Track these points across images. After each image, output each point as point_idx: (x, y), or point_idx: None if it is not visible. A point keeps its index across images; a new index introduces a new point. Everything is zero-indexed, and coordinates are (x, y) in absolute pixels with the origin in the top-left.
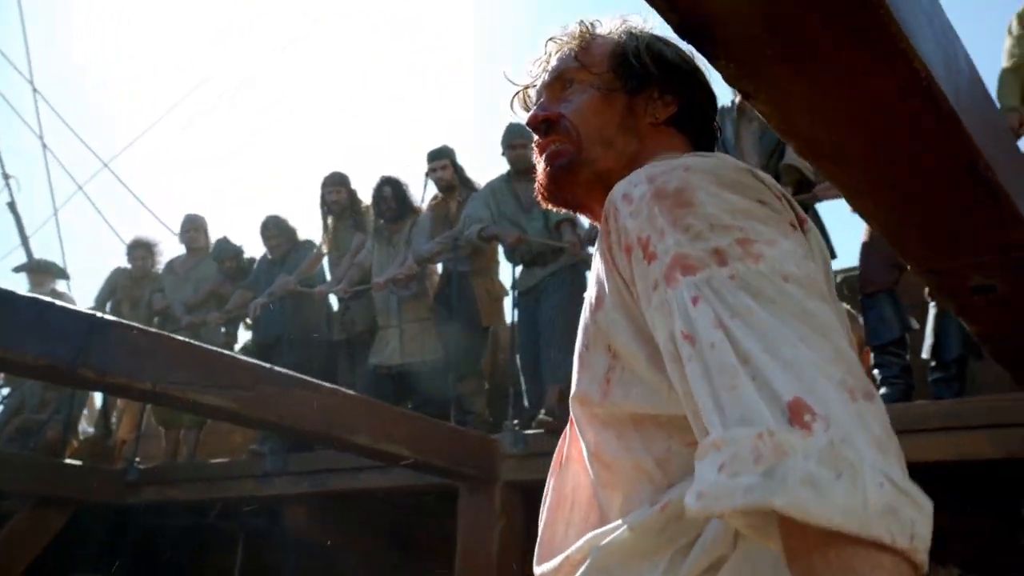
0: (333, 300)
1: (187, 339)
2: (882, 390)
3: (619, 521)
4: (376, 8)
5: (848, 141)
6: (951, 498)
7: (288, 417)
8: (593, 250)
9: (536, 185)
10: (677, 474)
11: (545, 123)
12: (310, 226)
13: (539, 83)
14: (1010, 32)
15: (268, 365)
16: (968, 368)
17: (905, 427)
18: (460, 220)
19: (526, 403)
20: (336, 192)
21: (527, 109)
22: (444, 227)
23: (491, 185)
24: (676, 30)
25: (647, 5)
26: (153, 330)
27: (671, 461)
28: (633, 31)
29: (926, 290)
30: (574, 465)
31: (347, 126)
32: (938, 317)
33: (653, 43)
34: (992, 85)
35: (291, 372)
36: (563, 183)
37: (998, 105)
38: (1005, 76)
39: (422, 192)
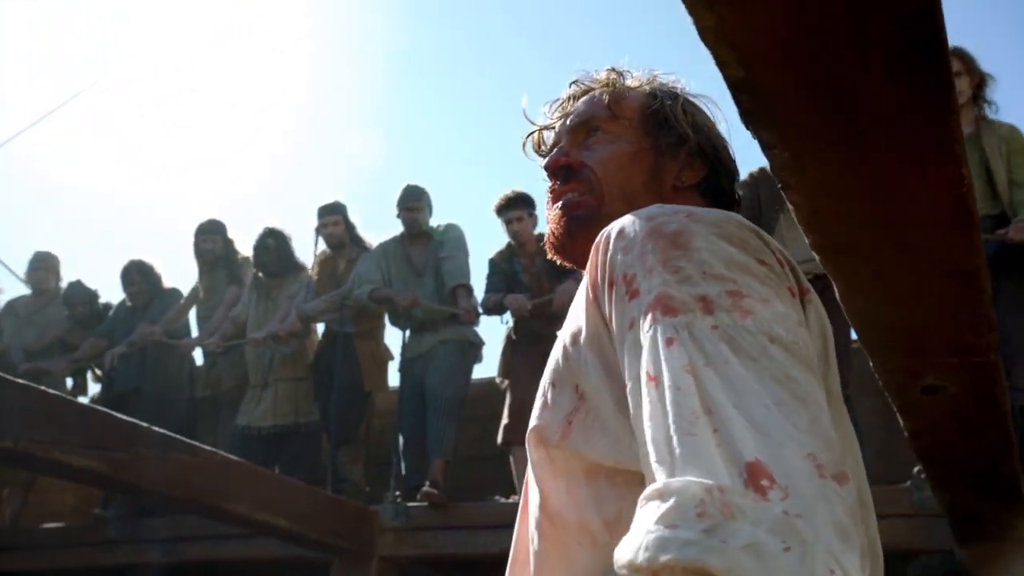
0: (197, 354)
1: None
2: None
3: None
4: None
5: (871, 243)
6: None
7: (164, 482)
8: (580, 288)
9: (547, 233)
10: None
11: (565, 169)
12: (178, 274)
13: (559, 126)
14: None
15: (146, 424)
16: None
17: None
18: (349, 279)
19: (404, 473)
20: (211, 240)
21: (540, 152)
22: (331, 285)
23: (384, 246)
24: (743, 114)
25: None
26: (19, 380)
27: (621, 524)
28: (667, 88)
29: None
30: (524, 516)
31: (230, 172)
32: None
33: (688, 105)
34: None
35: (170, 433)
36: (578, 237)
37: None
38: None
39: (313, 247)
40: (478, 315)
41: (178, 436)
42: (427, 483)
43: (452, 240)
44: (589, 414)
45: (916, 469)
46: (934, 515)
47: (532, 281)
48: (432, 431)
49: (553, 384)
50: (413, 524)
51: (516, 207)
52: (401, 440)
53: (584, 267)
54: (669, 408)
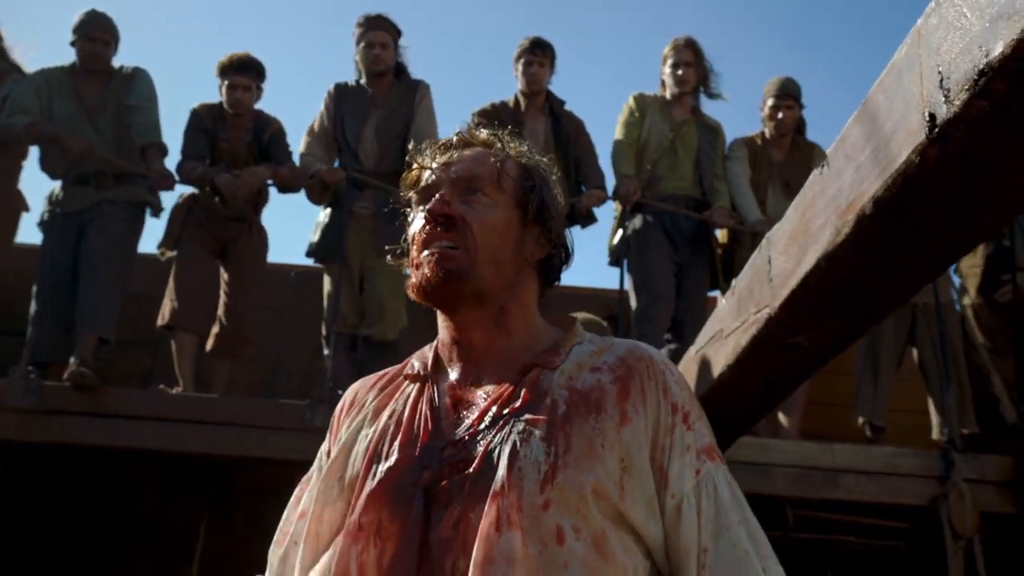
0: None
1: None
2: None
3: None
4: None
5: None
6: None
7: None
8: (580, 367)
9: (416, 274)
10: None
11: (447, 218)
12: None
13: (440, 172)
14: (631, 112)
15: None
16: None
17: None
18: None
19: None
20: None
21: (415, 189)
22: None
23: (46, 74)
24: None
25: None
26: None
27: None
28: (542, 170)
29: None
30: (516, 533)
31: None
32: None
33: (554, 187)
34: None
35: None
36: (447, 288)
37: (612, 171)
38: (620, 146)
39: None
40: (174, 181)
41: None
42: (74, 360)
43: (144, 88)
44: (632, 485)
45: None
46: None
47: (230, 155)
48: (87, 302)
49: (602, 445)
50: (46, 406)
51: (245, 72)
52: (34, 306)
53: (442, 309)
54: (755, 534)
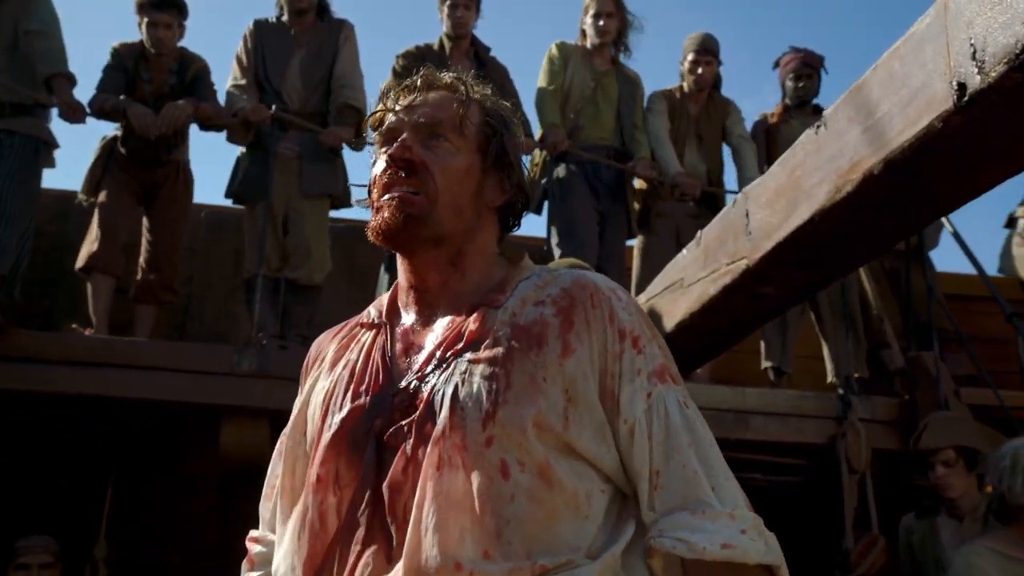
0: None
1: None
2: None
3: (582, 558)
4: None
5: None
6: None
7: None
8: (524, 302)
9: (376, 216)
10: (595, 511)
11: (407, 163)
12: None
13: (403, 116)
14: (554, 60)
15: None
16: None
17: None
18: None
19: None
20: None
21: (377, 129)
22: None
23: None
24: None
25: None
26: None
27: (592, 499)
28: (503, 114)
29: None
30: (458, 472)
31: None
32: None
33: (516, 133)
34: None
35: None
36: (406, 232)
37: (537, 118)
38: (545, 95)
39: None
40: (85, 113)
41: None
42: None
43: (45, 11)
44: (578, 414)
45: None
46: None
47: (154, 96)
48: None
49: (544, 379)
50: None
51: (165, 10)
52: None
53: (401, 252)
54: (708, 457)
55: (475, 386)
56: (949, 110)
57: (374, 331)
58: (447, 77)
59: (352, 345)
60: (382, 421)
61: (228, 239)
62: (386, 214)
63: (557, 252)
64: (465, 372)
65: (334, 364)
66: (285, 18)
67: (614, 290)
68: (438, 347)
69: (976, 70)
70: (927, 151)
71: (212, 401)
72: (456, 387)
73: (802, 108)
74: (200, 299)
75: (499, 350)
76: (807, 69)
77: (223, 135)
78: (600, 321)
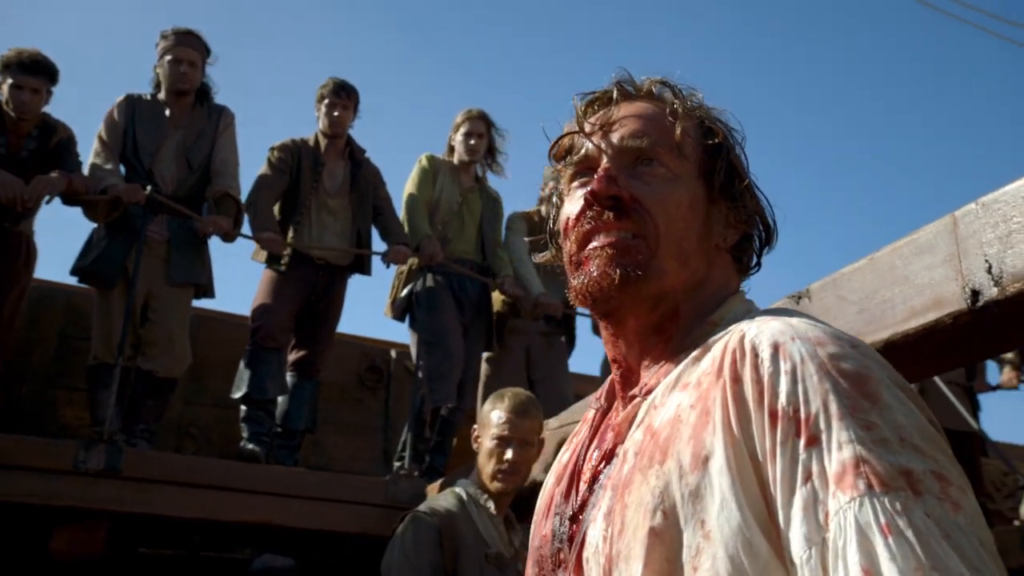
0: None
1: None
2: (251, 445)
3: None
4: None
5: None
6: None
7: None
8: (669, 387)
9: (575, 279)
10: None
11: (615, 201)
12: None
13: (601, 139)
14: (424, 171)
15: None
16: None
17: (281, 490)
18: None
19: None
20: None
21: (565, 160)
22: None
23: None
24: None
25: None
26: None
27: None
28: (724, 123)
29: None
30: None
31: None
32: (295, 388)
33: (740, 145)
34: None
35: None
36: (629, 293)
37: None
38: (417, 203)
39: None
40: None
41: None
42: None
43: None
44: (717, 559)
45: (396, 464)
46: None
47: (9, 161)
48: None
49: (665, 514)
50: None
51: (35, 74)
52: None
53: (612, 317)
54: None
55: (597, 529)
56: (962, 310)
57: (590, 421)
58: (648, 82)
59: (573, 440)
60: (564, 552)
61: (53, 318)
62: (597, 270)
63: (423, 361)
64: (596, 506)
65: (565, 451)
66: (162, 96)
67: (781, 346)
68: (601, 459)
69: (992, 283)
70: (933, 340)
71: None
72: (587, 528)
73: None
74: (17, 381)
75: (624, 469)
76: None
77: (67, 207)
78: (747, 403)
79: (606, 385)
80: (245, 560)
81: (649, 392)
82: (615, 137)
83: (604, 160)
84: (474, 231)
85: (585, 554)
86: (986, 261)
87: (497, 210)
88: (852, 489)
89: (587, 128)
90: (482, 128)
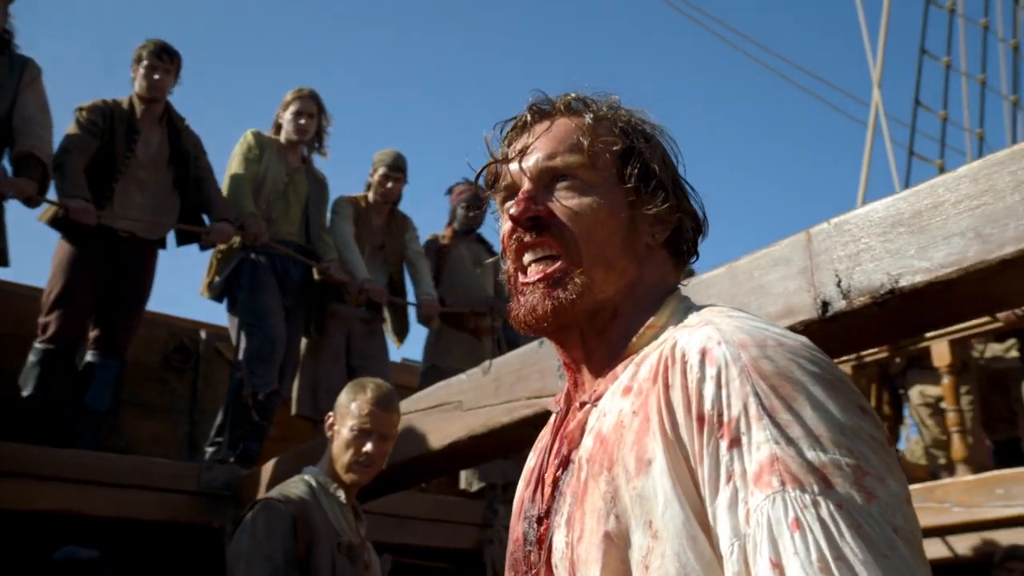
0: None
1: None
2: None
3: None
4: None
5: None
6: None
7: None
8: (614, 393)
9: (514, 307)
10: None
11: (534, 221)
12: None
13: (519, 163)
14: (249, 148)
15: None
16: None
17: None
18: None
19: None
20: None
21: (492, 187)
22: None
23: None
24: None
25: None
26: None
27: None
28: (637, 125)
29: None
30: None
31: None
32: (98, 368)
33: (665, 142)
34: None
35: None
36: (562, 317)
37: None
38: (242, 181)
39: None
40: None
41: None
42: None
43: None
44: (665, 558)
45: (209, 450)
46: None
47: None
48: None
49: (617, 517)
50: None
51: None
52: None
53: (553, 338)
54: None
55: (561, 535)
56: (814, 319)
57: (551, 425)
58: (561, 100)
59: (542, 437)
60: (535, 554)
61: None
62: (528, 305)
63: (243, 344)
64: (560, 508)
65: (532, 455)
66: None
67: (708, 352)
68: (559, 465)
69: (840, 296)
70: None
71: None
72: (553, 534)
73: (468, 235)
74: None
75: (581, 476)
76: (479, 202)
77: None
78: (679, 410)
79: (564, 389)
80: (45, 553)
81: (599, 399)
82: (530, 161)
83: (525, 183)
84: (299, 212)
85: (553, 559)
86: (836, 276)
87: (323, 193)
88: (767, 487)
89: (509, 154)
90: (313, 108)
